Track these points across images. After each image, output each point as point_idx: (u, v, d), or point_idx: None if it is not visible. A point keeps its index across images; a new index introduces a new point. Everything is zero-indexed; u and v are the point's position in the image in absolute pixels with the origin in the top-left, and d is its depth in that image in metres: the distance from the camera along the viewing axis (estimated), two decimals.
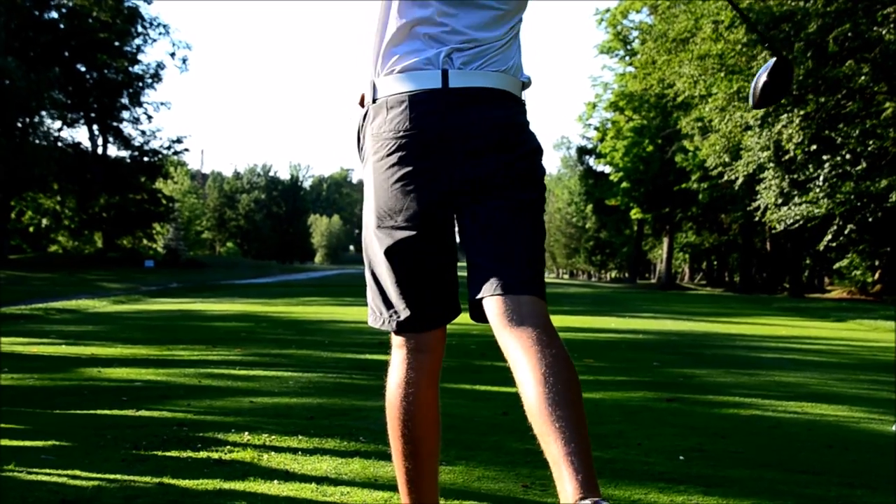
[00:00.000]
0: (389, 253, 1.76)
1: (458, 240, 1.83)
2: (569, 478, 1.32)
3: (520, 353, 1.54)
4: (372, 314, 1.88)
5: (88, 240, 41.37)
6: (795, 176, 21.43)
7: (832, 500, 2.69)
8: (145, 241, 41.41)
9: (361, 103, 1.86)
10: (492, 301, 1.67)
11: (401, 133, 1.71)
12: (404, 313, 1.79)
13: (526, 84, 1.87)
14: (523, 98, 1.86)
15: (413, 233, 1.74)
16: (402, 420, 1.81)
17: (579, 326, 10.65)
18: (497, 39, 1.76)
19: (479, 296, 1.69)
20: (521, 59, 1.86)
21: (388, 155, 1.73)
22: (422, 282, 1.78)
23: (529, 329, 1.58)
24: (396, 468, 1.87)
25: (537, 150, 1.81)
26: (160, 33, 42.96)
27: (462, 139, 1.71)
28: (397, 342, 1.87)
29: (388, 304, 1.82)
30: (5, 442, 3.24)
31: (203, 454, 3.07)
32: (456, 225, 1.80)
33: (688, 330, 10.66)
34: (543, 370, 1.48)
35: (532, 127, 1.83)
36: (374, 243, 1.80)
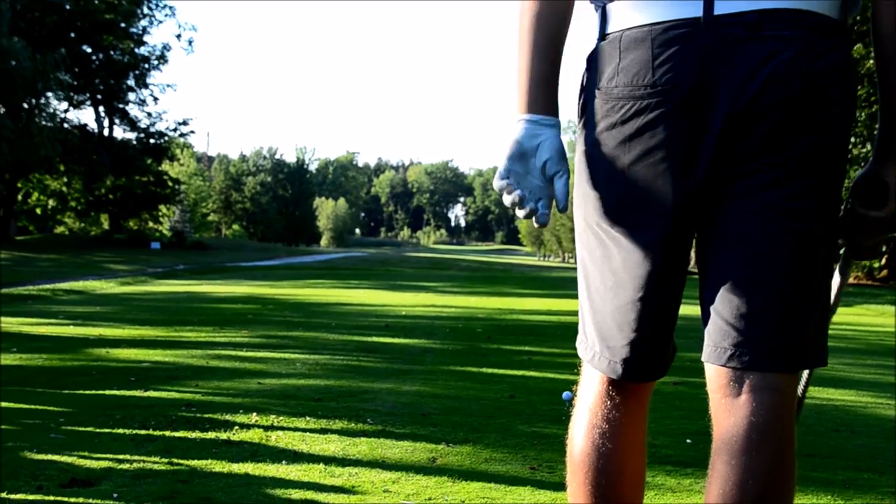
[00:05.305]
0: (626, 264, 1.25)
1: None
2: None
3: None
4: (583, 342, 1.37)
5: (95, 221, 41.45)
6: None
7: (839, 483, 2.69)
8: (151, 223, 41.45)
9: None
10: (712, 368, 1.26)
11: (642, 89, 1.17)
12: (634, 352, 1.29)
13: None
14: (841, 19, 1.18)
15: (658, 237, 1.22)
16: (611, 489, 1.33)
17: None
18: None
19: (704, 357, 1.28)
20: None
21: (624, 122, 1.19)
22: (662, 308, 1.29)
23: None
24: None
25: (846, 122, 1.16)
26: (166, 14, 43.12)
27: (733, 98, 1.13)
28: (601, 384, 1.33)
29: (610, 338, 1.30)
30: (15, 422, 3.26)
31: (211, 435, 3.09)
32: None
33: (693, 314, 10.62)
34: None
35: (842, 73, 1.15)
36: (597, 249, 1.29)
